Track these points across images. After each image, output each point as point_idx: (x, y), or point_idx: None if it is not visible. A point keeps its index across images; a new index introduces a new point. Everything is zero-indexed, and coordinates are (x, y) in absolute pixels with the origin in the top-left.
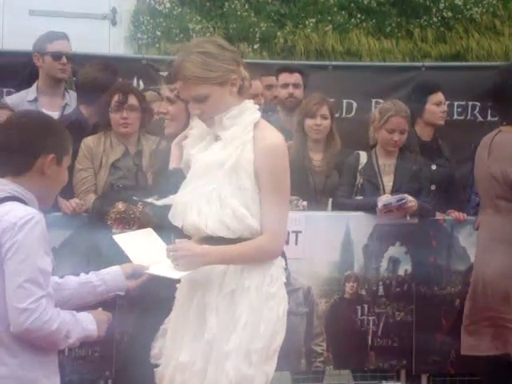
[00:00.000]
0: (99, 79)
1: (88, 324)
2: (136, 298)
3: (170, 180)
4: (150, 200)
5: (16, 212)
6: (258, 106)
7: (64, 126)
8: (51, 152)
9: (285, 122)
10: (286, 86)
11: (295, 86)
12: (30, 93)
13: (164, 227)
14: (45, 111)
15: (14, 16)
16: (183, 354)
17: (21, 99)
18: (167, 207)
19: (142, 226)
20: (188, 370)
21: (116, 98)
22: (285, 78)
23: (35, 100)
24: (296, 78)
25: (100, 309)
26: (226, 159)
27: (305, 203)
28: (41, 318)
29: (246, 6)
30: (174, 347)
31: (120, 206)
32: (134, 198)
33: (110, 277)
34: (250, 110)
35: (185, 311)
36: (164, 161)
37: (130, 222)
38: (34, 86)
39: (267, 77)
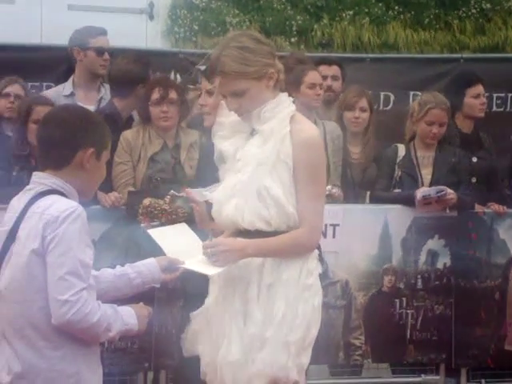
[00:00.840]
0: (131, 72)
1: (129, 318)
2: (174, 291)
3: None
4: (175, 193)
5: (58, 205)
6: (292, 99)
7: (104, 121)
8: (91, 146)
9: (323, 115)
10: (324, 78)
11: (334, 78)
12: (67, 87)
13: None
14: (81, 105)
15: (53, 10)
16: (231, 348)
17: (57, 94)
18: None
19: (169, 219)
20: (234, 363)
21: (156, 91)
22: (323, 70)
23: (72, 94)
24: (334, 70)
25: (141, 303)
26: (266, 154)
27: (335, 190)
28: (82, 311)
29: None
30: (214, 341)
31: (145, 201)
32: (172, 191)
33: (145, 269)
34: (285, 103)
35: (224, 305)
36: (204, 154)
37: (158, 215)
38: (70, 80)
39: None
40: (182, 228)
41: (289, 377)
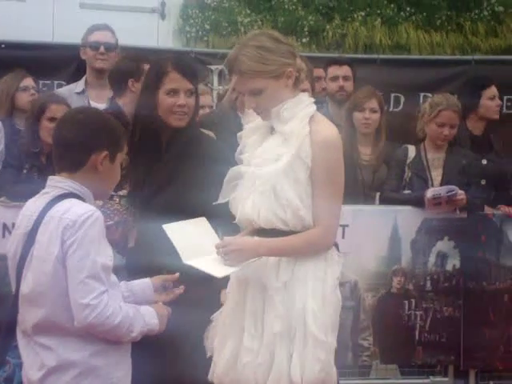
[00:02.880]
0: (119, 67)
1: (150, 318)
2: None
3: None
4: (121, 193)
5: (76, 209)
6: (313, 99)
7: (119, 123)
8: (105, 149)
9: (334, 115)
10: (335, 78)
11: (345, 78)
12: (79, 85)
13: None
14: (92, 103)
15: (65, 9)
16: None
17: (69, 92)
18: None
19: (122, 218)
20: (251, 364)
21: None
22: (334, 70)
23: (83, 92)
24: (346, 70)
25: (160, 303)
26: (285, 153)
27: None
28: (103, 313)
29: (295, 0)
30: (229, 341)
31: (98, 202)
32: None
33: (139, 288)
34: (305, 103)
35: (240, 305)
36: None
37: (111, 214)
38: (83, 78)
39: (315, 69)
40: (202, 223)
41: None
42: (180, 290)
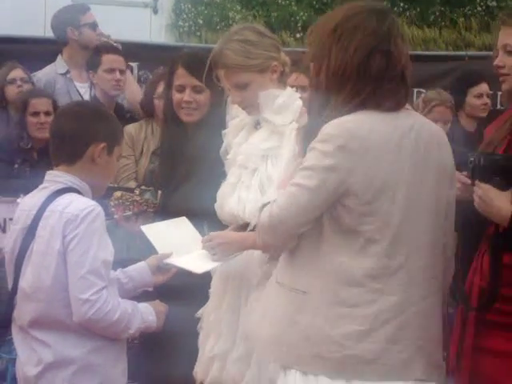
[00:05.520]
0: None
1: (148, 315)
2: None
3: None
4: (143, 187)
5: (77, 204)
6: (299, 94)
7: (116, 117)
8: (102, 140)
9: None
10: None
11: None
12: (60, 66)
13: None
14: (76, 83)
15: (57, 3)
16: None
17: (54, 73)
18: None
19: (141, 210)
20: (228, 359)
21: (162, 85)
22: None
23: (67, 72)
24: None
25: (157, 300)
26: (270, 148)
27: None
28: (102, 309)
29: None
30: (211, 338)
31: (117, 193)
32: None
33: (136, 273)
34: (292, 98)
35: (221, 301)
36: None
37: (129, 206)
38: (60, 59)
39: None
40: (182, 222)
41: None
42: (174, 268)
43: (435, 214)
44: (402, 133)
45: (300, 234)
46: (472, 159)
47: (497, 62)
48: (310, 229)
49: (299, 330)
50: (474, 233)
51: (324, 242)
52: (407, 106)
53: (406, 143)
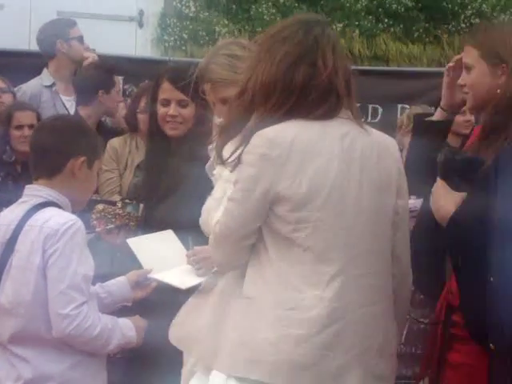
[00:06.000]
0: (92, 78)
1: (128, 331)
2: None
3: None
4: (127, 200)
5: (57, 218)
6: None
7: (95, 131)
8: (83, 154)
9: None
10: None
11: None
12: (45, 79)
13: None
14: (62, 97)
15: (42, 17)
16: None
17: (40, 85)
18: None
19: (123, 223)
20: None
21: (144, 99)
22: None
23: (53, 85)
24: None
25: (137, 316)
26: None
27: None
28: (82, 325)
29: (273, 10)
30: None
31: (99, 206)
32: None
33: (115, 288)
34: None
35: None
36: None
37: (111, 219)
38: (46, 72)
39: None
40: (168, 236)
41: None
42: (153, 283)
43: (376, 222)
44: (331, 140)
45: (251, 248)
46: (439, 155)
47: (459, 81)
48: (258, 240)
49: (238, 335)
50: None
51: (266, 251)
52: (347, 115)
53: (335, 150)
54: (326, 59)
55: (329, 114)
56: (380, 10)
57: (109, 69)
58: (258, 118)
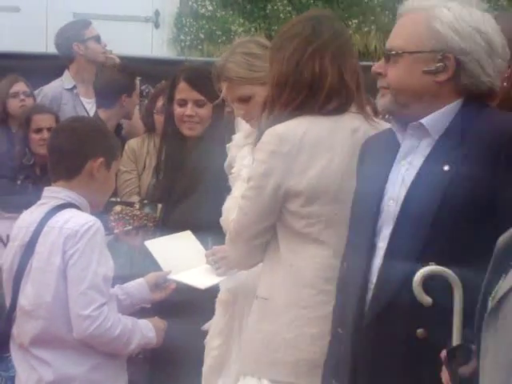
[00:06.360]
0: (116, 82)
1: (148, 332)
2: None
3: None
4: (145, 201)
5: (77, 219)
6: None
7: (113, 132)
8: (101, 155)
9: None
10: None
11: None
12: (66, 81)
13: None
14: (83, 99)
15: (58, 19)
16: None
17: (60, 88)
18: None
19: (141, 224)
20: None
21: (161, 100)
22: None
23: (74, 87)
24: None
25: (156, 317)
26: None
27: None
28: (103, 325)
29: (289, 8)
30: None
31: (117, 207)
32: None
33: (134, 290)
34: None
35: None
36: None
37: (129, 220)
38: (67, 74)
39: None
40: (186, 237)
41: None
42: (172, 284)
43: None
44: (342, 134)
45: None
46: None
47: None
48: (271, 239)
49: (261, 338)
50: None
51: (280, 248)
52: (357, 109)
53: (345, 144)
54: (335, 55)
55: (339, 109)
56: (396, 5)
57: (131, 72)
58: (270, 114)
